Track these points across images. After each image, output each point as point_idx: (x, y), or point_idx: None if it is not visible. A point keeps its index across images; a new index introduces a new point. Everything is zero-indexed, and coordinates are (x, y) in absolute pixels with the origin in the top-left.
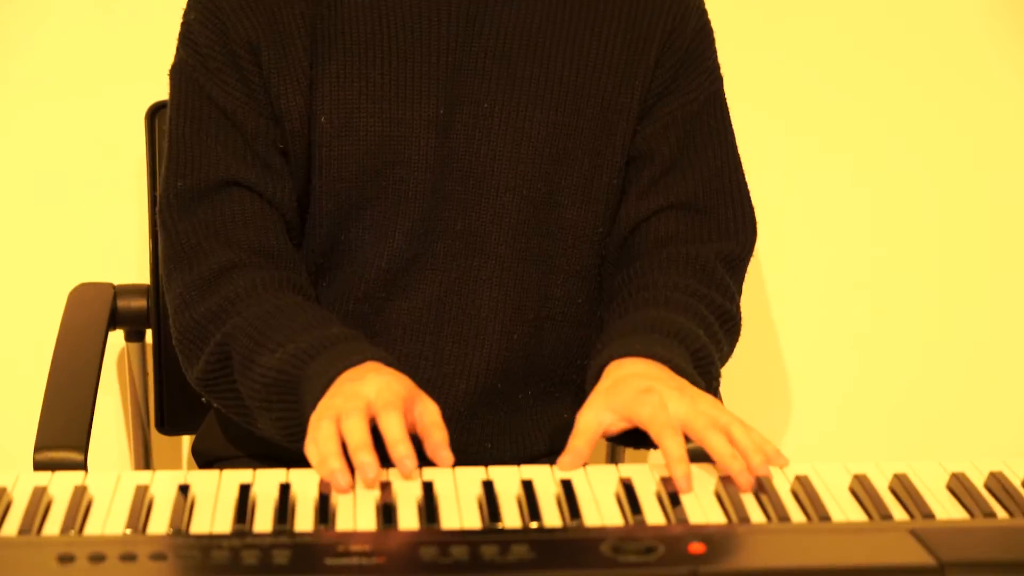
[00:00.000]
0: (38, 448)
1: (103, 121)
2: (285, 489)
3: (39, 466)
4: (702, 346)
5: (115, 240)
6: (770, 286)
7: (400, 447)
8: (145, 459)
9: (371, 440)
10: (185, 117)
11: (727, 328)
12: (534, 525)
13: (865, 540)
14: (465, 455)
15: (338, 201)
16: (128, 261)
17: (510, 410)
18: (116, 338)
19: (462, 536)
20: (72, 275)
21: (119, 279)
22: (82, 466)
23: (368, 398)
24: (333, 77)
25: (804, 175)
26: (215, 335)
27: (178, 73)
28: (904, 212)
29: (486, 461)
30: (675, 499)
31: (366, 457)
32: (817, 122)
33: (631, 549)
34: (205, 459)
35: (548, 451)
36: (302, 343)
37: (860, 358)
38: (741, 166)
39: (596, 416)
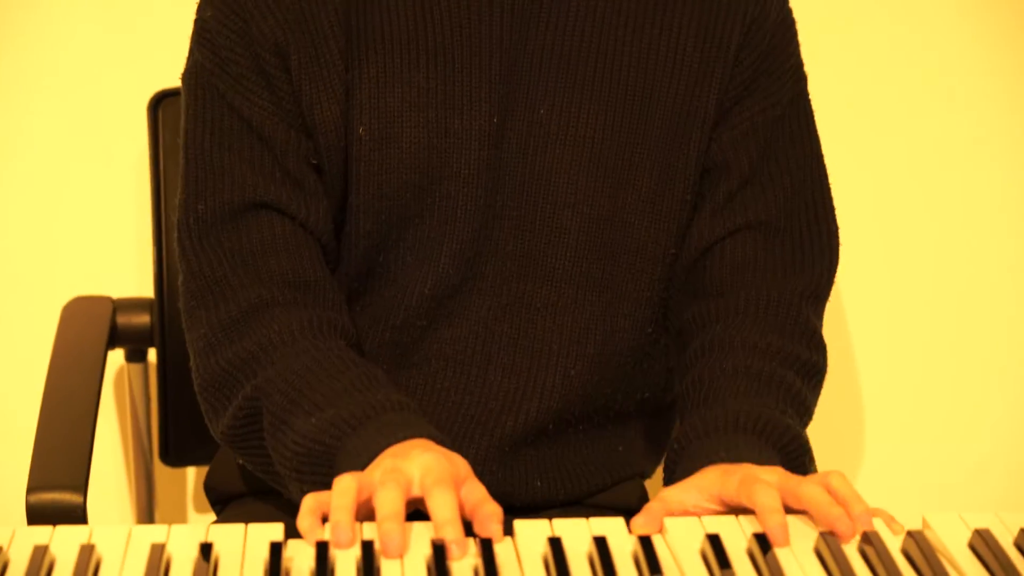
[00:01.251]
0: (31, 489)
1: (99, 116)
2: (323, 549)
3: (32, 510)
4: (793, 438)
5: (113, 248)
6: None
7: (450, 529)
8: (147, 494)
9: (404, 515)
10: (204, 130)
11: (813, 384)
12: None
13: None
14: (510, 496)
15: (378, 220)
16: (128, 271)
17: (559, 446)
18: (115, 357)
19: None
20: (66, 287)
21: (118, 292)
22: (81, 511)
23: (411, 476)
24: (372, 82)
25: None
26: (244, 387)
27: (194, 79)
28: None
29: (534, 500)
30: (769, 557)
31: (394, 527)
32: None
33: None
34: (218, 496)
35: (601, 487)
36: (343, 410)
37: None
38: (827, 178)
39: (679, 493)
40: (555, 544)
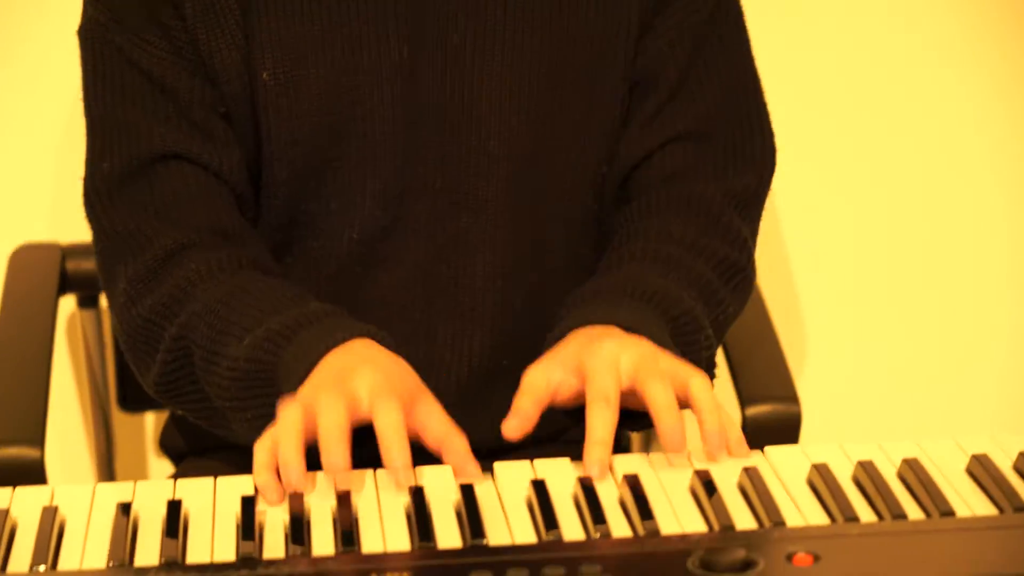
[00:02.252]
0: None
1: (42, 48)
2: (297, 500)
3: None
4: (684, 311)
5: (60, 193)
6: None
7: (395, 453)
8: (107, 443)
9: (348, 435)
10: (104, 86)
11: (734, 283)
12: (598, 535)
13: (1000, 541)
14: (477, 443)
15: (293, 168)
16: (75, 216)
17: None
18: (67, 305)
19: (515, 555)
20: (12, 235)
21: (66, 237)
22: (39, 465)
23: (357, 395)
24: (271, 23)
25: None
26: (169, 329)
27: (90, 34)
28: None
29: (503, 444)
30: (764, 494)
31: (337, 449)
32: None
33: (724, 565)
34: (176, 453)
35: (567, 424)
36: (274, 324)
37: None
38: (760, 85)
39: (544, 373)
40: (539, 486)
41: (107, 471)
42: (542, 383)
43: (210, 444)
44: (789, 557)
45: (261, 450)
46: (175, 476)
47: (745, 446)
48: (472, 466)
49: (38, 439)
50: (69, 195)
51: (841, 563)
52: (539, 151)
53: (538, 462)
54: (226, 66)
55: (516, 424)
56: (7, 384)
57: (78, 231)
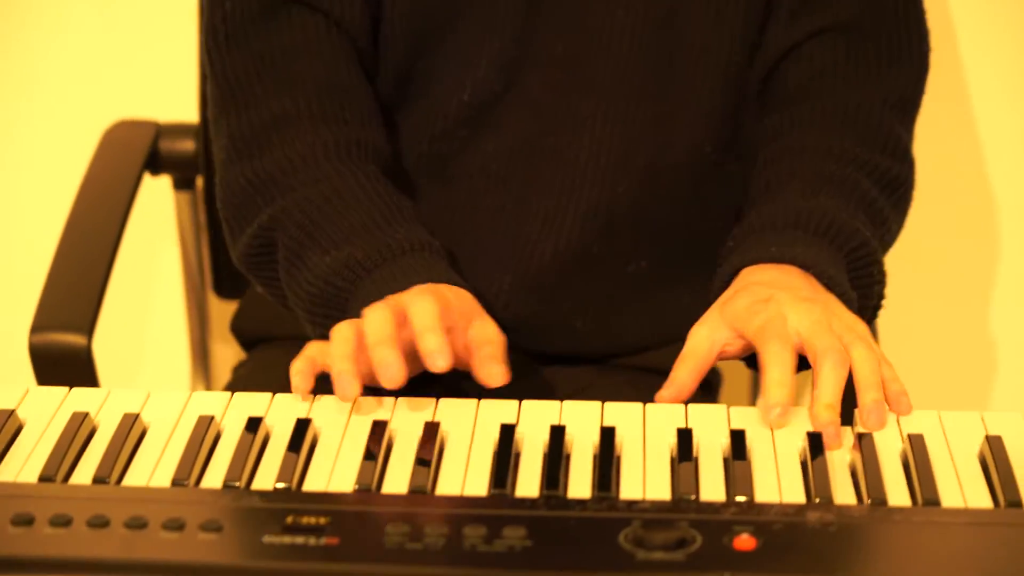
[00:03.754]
0: (34, 328)
1: None
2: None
3: (35, 351)
4: (861, 243)
5: (160, 71)
6: None
7: (430, 337)
8: (201, 328)
9: (396, 338)
10: None
11: (896, 198)
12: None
13: (982, 538)
14: (542, 338)
15: (412, 22)
16: (176, 95)
17: (613, 283)
18: (164, 187)
19: (451, 508)
20: (112, 111)
21: (165, 116)
22: (85, 353)
23: (405, 306)
24: None
25: None
26: (262, 212)
27: None
28: None
29: (570, 346)
30: (741, 462)
31: (386, 352)
32: None
33: (657, 541)
34: (247, 338)
35: (656, 341)
36: (358, 249)
37: None
38: None
39: (709, 333)
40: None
41: (201, 357)
42: (705, 346)
43: (282, 332)
44: (730, 538)
45: (312, 346)
46: (243, 363)
47: (906, 400)
48: (497, 368)
49: (84, 326)
50: (170, 72)
51: (783, 550)
52: (667, 28)
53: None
54: None
55: (670, 395)
56: (65, 267)
57: (176, 110)
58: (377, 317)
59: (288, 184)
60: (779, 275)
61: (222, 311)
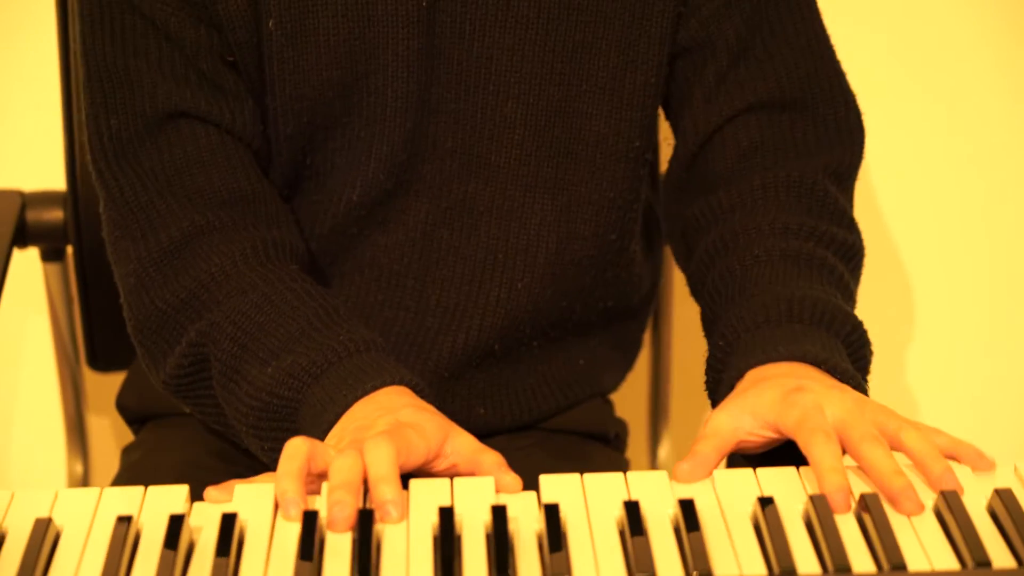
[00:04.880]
0: None
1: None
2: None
3: None
4: (854, 327)
5: (24, 138)
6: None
7: (384, 488)
8: (75, 403)
9: (360, 487)
10: (104, 34)
11: (852, 267)
12: None
13: None
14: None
15: (299, 123)
16: (40, 163)
17: (508, 366)
18: (32, 259)
19: None
20: None
21: (29, 185)
22: None
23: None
24: None
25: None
26: (187, 332)
27: None
28: None
29: (476, 426)
30: (695, 536)
31: (344, 496)
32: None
33: None
34: (133, 416)
35: (560, 406)
36: (301, 356)
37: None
38: (834, 50)
39: (732, 420)
40: (445, 516)
41: (78, 434)
42: (728, 429)
43: (170, 410)
44: None
45: (291, 458)
46: (133, 445)
47: (985, 458)
48: (509, 477)
49: None
50: (33, 139)
51: None
52: (561, 117)
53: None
54: (230, 12)
55: (690, 469)
56: None
57: (41, 178)
58: (347, 463)
59: (213, 299)
60: (793, 369)
61: (99, 386)
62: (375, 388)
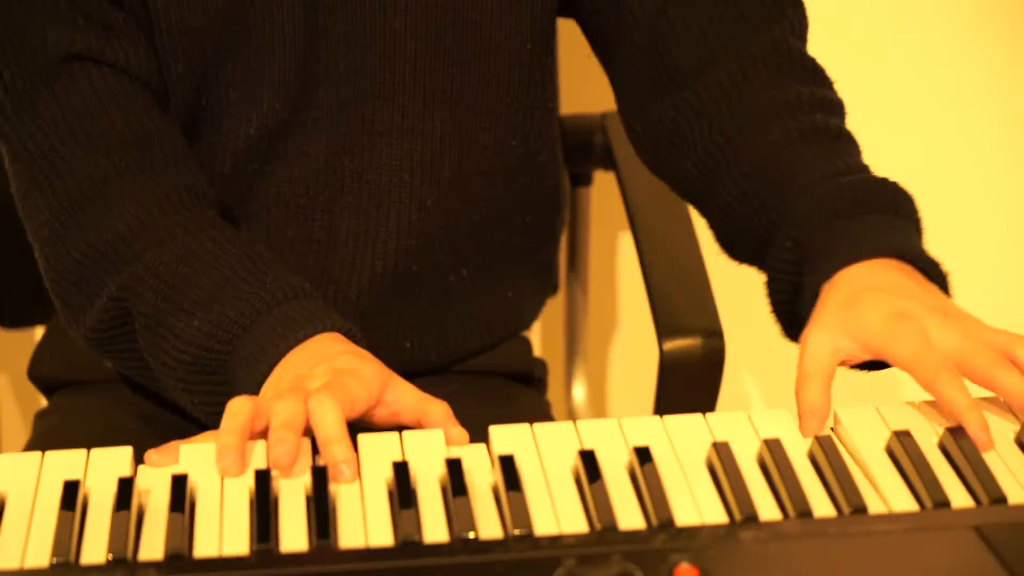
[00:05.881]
0: None
1: None
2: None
3: None
4: (910, 201)
5: None
6: None
7: (336, 448)
8: None
9: (301, 427)
10: None
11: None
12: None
13: (916, 548)
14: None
15: (189, 60)
16: None
17: (435, 297)
18: None
19: (359, 561)
20: None
21: None
22: None
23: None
24: None
25: None
26: (107, 285)
27: None
28: None
29: (403, 362)
30: (653, 484)
31: (286, 435)
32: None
33: None
34: (47, 384)
35: (487, 343)
36: (229, 307)
37: None
38: None
39: (831, 341)
40: (400, 471)
41: None
42: (827, 359)
43: (87, 376)
44: (670, 570)
45: (234, 415)
46: (47, 411)
47: None
48: (456, 429)
49: None
50: None
51: None
52: (453, 28)
53: (407, 436)
54: None
55: (817, 425)
56: None
57: None
58: (288, 406)
59: (131, 251)
60: (883, 276)
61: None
62: (307, 336)
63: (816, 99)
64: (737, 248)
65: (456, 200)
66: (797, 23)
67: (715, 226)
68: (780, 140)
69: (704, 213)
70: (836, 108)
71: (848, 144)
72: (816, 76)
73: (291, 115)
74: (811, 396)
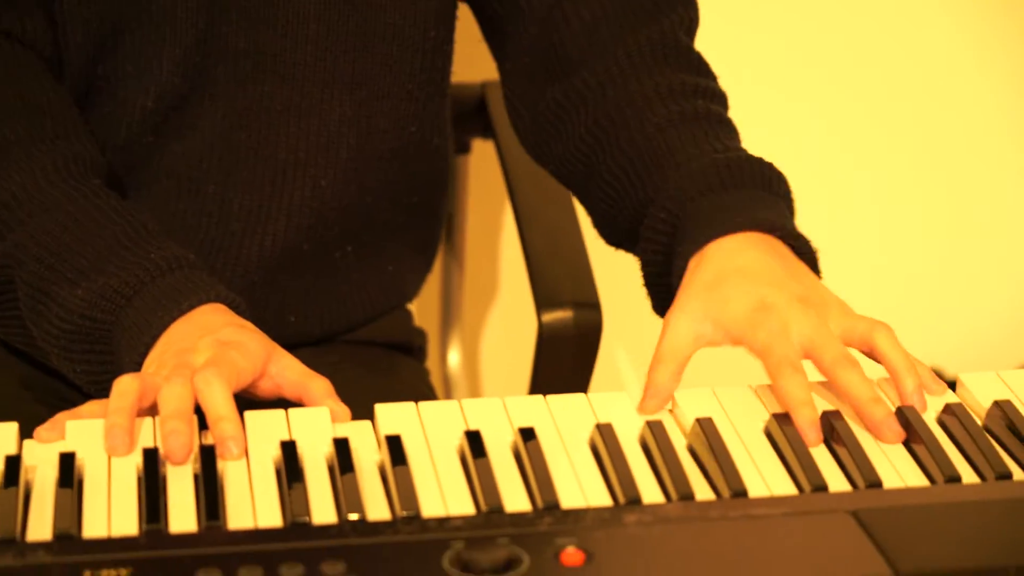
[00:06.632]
0: None
1: None
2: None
3: None
4: (782, 180)
5: None
6: None
7: (225, 425)
8: None
9: (191, 413)
10: None
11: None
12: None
13: (793, 531)
14: (262, 331)
15: (88, 30)
16: None
17: (320, 273)
18: None
19: (249, 543)
20: None
21: None
22: None
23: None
24: None
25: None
26: None
27: None
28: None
29: (285, 335)
30: (539, 466)
31: (179, 425)
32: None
33: (485, 563)
34: None
35: (369, 316)
36: (112, 277)
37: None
38: None
39: (693, 326)
40: (288, 450)
41: None
42: (686, 344)
43: None
44: (557, 554)
45: (122, 395)
46: None
47: (941, 383)
48: (339, 406)
49: None
50: None
51: (614, 564)
52: (355, 11)
53: (293, 412)
54: None
55: (656, 405)
56: None
57: None
58: (176, 391)
59: (16, 218)
60: (755, 256)
61: None
62: (191, 307)
63: (700, 87)
64: (614, 230)
65: (352, 183)
66: (687, 19)
67: (592, 208)
68: (661, 122)
69: (582, 197)
70: (719, 98)
71: (728, 129)
72: (701, 68)
73: (189, 90)
74: (660, 378)
